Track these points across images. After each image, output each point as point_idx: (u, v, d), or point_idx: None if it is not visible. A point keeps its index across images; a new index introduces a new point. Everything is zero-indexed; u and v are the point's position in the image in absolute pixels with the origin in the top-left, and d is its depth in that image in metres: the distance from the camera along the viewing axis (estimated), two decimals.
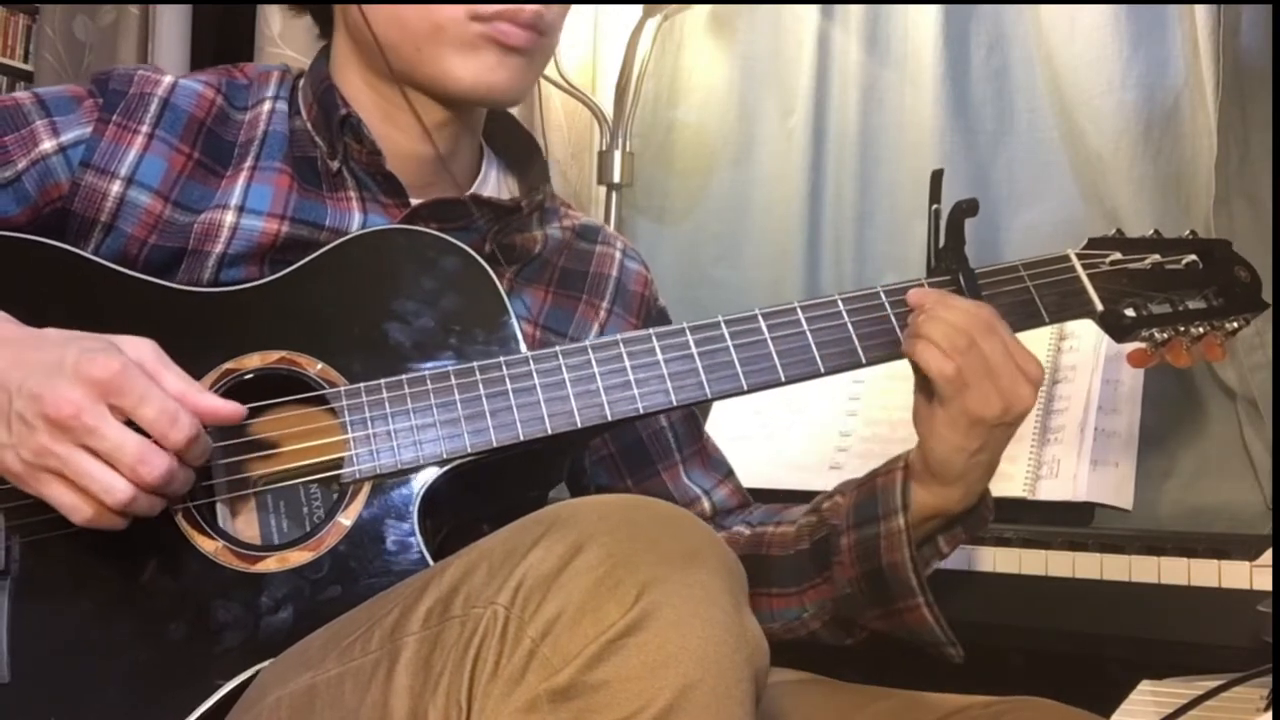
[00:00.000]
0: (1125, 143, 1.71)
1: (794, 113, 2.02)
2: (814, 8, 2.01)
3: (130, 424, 0.87)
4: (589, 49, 2.20)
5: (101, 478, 0.86)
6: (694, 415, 1.28)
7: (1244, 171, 1.59)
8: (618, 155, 2.07)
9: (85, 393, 0.86)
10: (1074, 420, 1.50)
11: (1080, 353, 1.55)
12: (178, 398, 0.89)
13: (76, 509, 0.87)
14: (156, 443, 0.87)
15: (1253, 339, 1.54)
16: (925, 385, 1.03)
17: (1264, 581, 1.24)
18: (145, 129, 1.07)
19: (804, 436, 1.65)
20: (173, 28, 2.43)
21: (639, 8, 2.04)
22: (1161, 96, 1.71)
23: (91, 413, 0.85)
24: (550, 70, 2.11)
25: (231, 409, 0.93)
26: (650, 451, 1.24)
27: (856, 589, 1.06)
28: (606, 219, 2.07)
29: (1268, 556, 1.25)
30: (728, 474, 1.28)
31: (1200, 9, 1.61)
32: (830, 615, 1.09)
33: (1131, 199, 1.69)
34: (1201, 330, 1.13)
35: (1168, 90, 1.71)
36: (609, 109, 2.09)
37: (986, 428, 1.00)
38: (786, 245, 2.01)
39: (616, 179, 2.07)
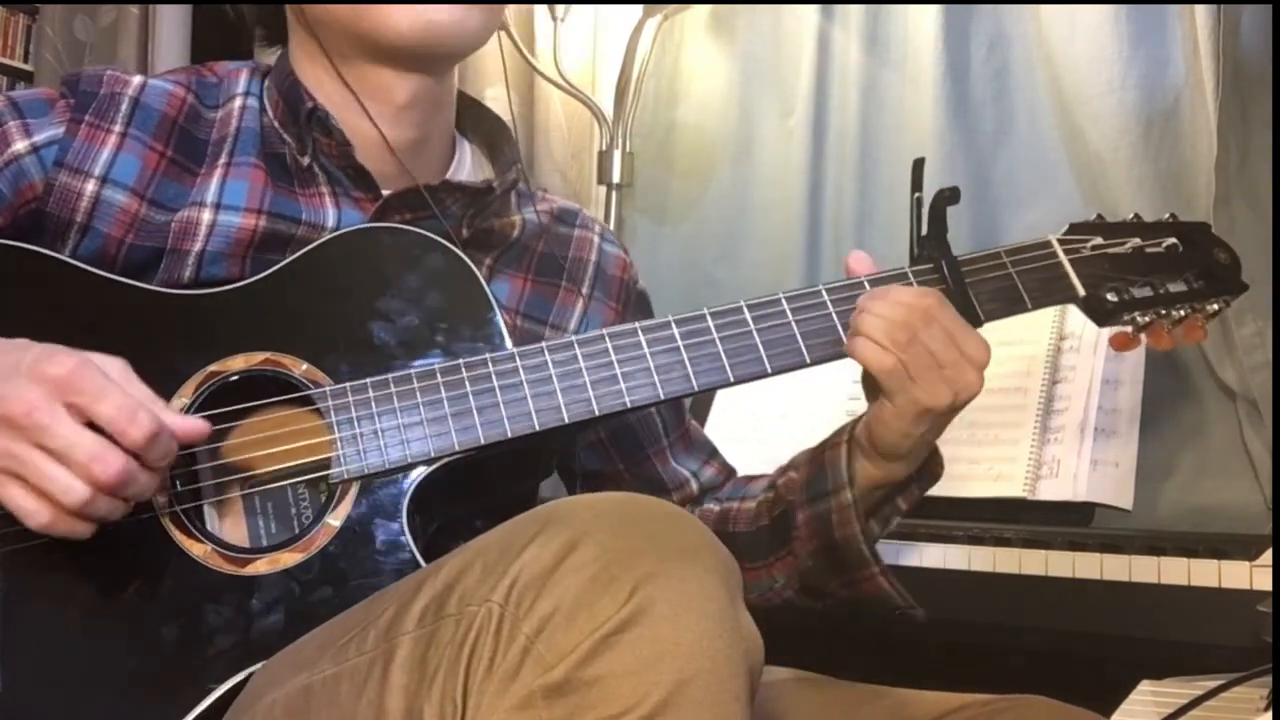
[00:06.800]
0: (1125, 143, 1.71)
1: (794, 113, 2.02)
2: (814, 8, 2.01)
3: (94, 428, 0.86)
4: (589, 49, 2.20)
5: (57, 477, 0.85)
6: (679, 400, 1.28)
7: (1244, 171, 1.59)
8: (618, 155, 2.07)
9: (41, 391, 0.85)
10: (1074, 420, 1.50)
11: (1080, 353, 1.54)
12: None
13: (33, 513, 0.86)
14: (116, 440, 0.86)
15: (1253, 339, 1.54)
16: (870, 378, 1.04)
17: (1264, 581, 1.23)
18: (118, 128, 1.06)
19: (803, 436, 1.64)
20: (173, 28, 2.43)
21: (639, 8, 2.04)
22: (1161, 96, 1.71)
23: (45, 411, 0.84)
24: (550, 70, 2.11)
25: (196, 427, 0.92)
26: (640, 437, 1.24)
27: (816, 561, 1.08)
28: (606, 219, 2.07)
29: (1268, 556, 1.24)
30: (711, 453, 1.30)
31: (1200, 9, 1.60)
32: (800, 584, 1.11)
33: (1131, 199, 1.69)
34: (1183, 313, 1.14)
35: (1168, 90, 1.71)
36: (609, 109, 2.09)
37: (934, 416, 1.02)
38: (786, 245, 2.01)
39: (616, 179, 2.07)
